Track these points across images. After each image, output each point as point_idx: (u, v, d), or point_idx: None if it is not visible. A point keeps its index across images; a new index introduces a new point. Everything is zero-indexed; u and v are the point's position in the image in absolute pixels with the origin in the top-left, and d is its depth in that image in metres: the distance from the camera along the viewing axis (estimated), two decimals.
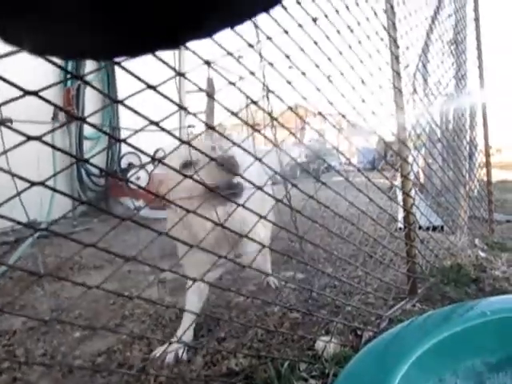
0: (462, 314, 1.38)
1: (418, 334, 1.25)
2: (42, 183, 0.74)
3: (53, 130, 0.79)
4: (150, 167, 4.38)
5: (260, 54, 1.40)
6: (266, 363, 1.28)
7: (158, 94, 0.92)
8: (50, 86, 0.76)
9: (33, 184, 0.72)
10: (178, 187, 1.28)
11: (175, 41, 0.31)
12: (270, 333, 1.57)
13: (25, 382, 1.28)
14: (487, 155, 4.16)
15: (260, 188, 1.19)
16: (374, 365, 1.06)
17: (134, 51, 0.31)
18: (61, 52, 0.32)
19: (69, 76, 4.00)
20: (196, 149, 1.06)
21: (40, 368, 1.34)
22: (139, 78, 0.83)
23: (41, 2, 0.24)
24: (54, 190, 0.77)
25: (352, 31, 1.72)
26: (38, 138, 0.74)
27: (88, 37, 0.28)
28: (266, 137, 1.30)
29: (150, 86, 0.88)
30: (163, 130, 0.97)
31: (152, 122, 0.91)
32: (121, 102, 0.90)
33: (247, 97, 1.27)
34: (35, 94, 0.75)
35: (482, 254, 2.87)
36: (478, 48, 3.83)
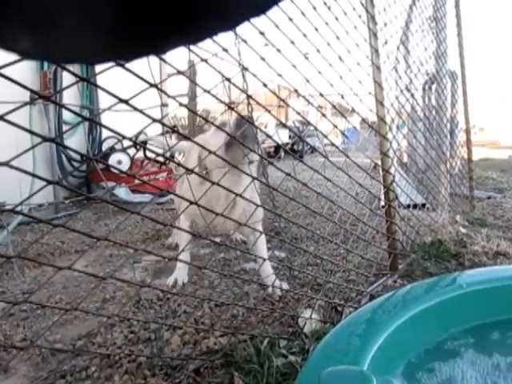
0: (440, 287, 1.41)
1: (397, 307, 1.26)
2: (5, 163, 0.72)
3: (15, 109, 0.77)
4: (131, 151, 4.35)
5: (235, 31, 1.38)
6: (246, 341, 1.29)
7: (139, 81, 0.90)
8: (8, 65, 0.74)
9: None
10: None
11: (168, 47, 0.30)
12: (251, 311, 1.58)
13: (3, 368, 1.27)
14: (467, 133, 4.20)
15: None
16: (352, 336, 1.07)
17: (128, 56, 0.30)
18: (55, 56, 0.31)
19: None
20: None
21: (20, 353, 1.33)
22: None
23: (40, 5, 0.23)
24: (18, 169, 0.75)
25: (329, 8, 1.70)
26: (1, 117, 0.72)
27: (88, 41, 0.27)
28: (241, 115, 1.29)
29: (119, 64, 0.86)
30: (135, 109, 0.95)
31: (121, 100, 0.89)
32: (86, 80, 0.88)
33: (221, 74, 1.25)
34: None
35: (463, 230, 2.90)
36: (458, 25, 3.82)
